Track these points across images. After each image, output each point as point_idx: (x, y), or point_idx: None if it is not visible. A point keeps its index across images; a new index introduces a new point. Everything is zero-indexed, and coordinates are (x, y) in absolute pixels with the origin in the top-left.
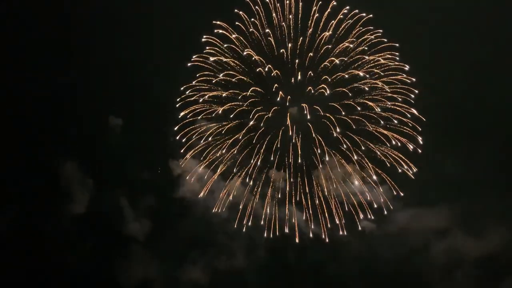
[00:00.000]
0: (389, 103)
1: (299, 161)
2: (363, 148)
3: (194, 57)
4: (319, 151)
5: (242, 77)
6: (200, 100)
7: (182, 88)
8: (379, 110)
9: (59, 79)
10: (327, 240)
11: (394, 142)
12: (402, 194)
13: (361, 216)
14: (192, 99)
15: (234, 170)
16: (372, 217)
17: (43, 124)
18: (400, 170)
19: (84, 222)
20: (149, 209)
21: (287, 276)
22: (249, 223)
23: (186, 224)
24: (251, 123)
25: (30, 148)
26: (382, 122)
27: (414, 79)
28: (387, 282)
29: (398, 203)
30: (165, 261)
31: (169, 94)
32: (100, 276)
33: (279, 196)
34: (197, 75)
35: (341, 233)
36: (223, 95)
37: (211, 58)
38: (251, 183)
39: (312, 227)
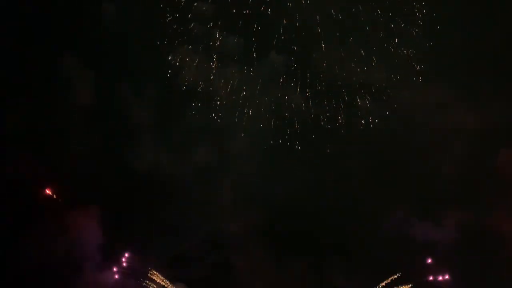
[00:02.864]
0: None
1: (299, 44)
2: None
3: None
4: (320, 35)
5: None
6: None
7: None
8: None
9: None
10: (327, 121)
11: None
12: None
13: (359, 99)
14: None
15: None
16: (371, 98)
17: (36, 19)
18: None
19: (90, 113)
20: (152, 97)
21: (289, 158)
22: (251, 108)
23: (190, 111)
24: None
25: (26, 44)
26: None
27: None
28: (385, 157)
29: (397, 82)
30: (174, 145)
31: None
32: (113, 163)
33: (280, 79)
34: None
35: (340, 113)
36: None
37: None
38: (251, 68)
39: (312, 109)
